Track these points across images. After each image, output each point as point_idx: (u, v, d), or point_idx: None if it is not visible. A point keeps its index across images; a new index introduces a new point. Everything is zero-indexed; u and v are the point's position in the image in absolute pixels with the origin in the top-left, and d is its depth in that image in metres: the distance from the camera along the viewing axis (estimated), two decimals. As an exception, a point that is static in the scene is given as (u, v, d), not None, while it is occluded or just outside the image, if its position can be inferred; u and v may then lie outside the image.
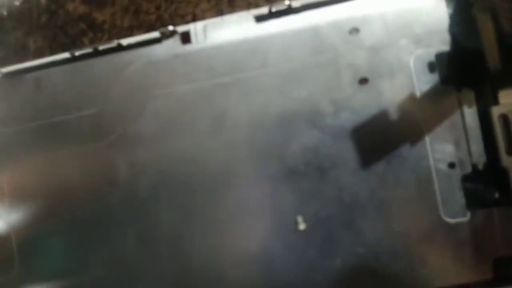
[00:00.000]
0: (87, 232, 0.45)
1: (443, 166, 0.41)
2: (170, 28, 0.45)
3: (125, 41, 0.46)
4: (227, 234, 0.43)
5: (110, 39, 0.51)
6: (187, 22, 0.48)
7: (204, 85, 0.44)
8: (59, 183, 0.46)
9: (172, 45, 0.45)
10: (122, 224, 0.45)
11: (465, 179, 0.40)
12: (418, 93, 0.41)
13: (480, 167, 0.40)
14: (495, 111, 0.38)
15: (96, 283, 0.45)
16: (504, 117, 0.38)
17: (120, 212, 0.45)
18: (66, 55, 0.47)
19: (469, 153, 0.40)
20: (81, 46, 0.52)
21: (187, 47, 0.45)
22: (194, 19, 0.53)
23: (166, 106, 0.45)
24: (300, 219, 0.42)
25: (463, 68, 0.40)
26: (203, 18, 0.52)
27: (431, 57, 0.41)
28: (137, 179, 0.44)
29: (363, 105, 0.42)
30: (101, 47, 0.46)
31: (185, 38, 0.45)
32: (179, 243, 0.43)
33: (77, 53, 0.47)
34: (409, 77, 0.41)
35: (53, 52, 0.52)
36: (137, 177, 0.44)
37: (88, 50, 0.46)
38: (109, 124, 0.45)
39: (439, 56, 0.41)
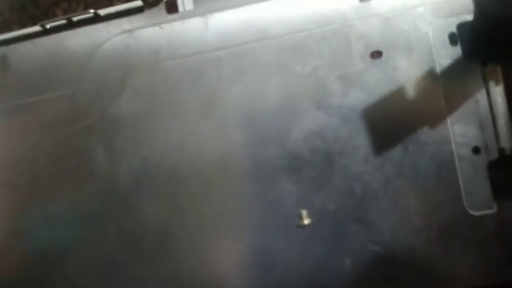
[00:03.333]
0: (61, 230, 0.42)
1: (467, 152, 0.38)
2: None
3: (103, 11, 0.44)
4: (221, 231, 0.41)
5: (86, 9, 0.48)
6: (173, -11, 0.46)
7: (193, 60, 0.42)
8: (28, 173, 0.43)
9: (156, 15, 0.43)
10: (101, 220, 0.42)
11: (491, 166, 0.38)
12: (438, 69, 0.39)
13: (508, 152, 0.38)
14: (526, 88, 0.36)
15: (75, 284, 0.42)
16: (535, 95, 0.36)
17: (98, 206, 0.42)
18: (36, 28, 0.44)
19: (496, 136, 0.38)
20: (53, 18, 0.48)
21: (173, 17, 0.43)
22: (182, -15, 0.49)
23: (150, 84, 0.42)
24: (304, 213, 0.39)
25: (489, 40, 0.38)
26: (192, -16, 0.49)
27: (452, 27, 0.39)
28: (117, 169, 0.42)
29: (376, 82, 0.39)
30: (75, 18, 0.44)
31: (171, 6, 0.43)
32: (166, 242, 0.41)
33: (48, 26, 0.44)
34: (428, 50, 0.39)
35: (22, 25, 0.50)
36: (117, 166, 0.42)
37: (61, 21, 0.44)
38: (85, 106, 0.43)
39: (462, 26, 0.39)
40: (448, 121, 0.38)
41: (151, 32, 0.42)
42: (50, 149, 0.43)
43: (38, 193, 0.43)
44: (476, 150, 0.38)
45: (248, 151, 0.40)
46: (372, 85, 0.39)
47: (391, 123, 0.39)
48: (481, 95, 0.38)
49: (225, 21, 0.41)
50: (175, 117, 0.41)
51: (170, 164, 0.41)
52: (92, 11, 0.43)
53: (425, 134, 0.38)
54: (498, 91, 0.38)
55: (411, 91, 0.39)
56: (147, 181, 0.41)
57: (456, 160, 0.38)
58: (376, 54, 0.39)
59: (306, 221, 0.39)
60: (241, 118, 0.41)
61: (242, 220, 0.40)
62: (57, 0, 0.52)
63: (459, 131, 0.38)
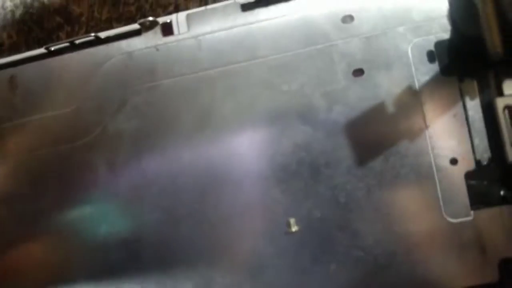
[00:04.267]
0: (66, 241, 0.43)
1: (445, 163, 0.39)
2: (150, 19, 0.43)
3: (103, 34, 0.44)
4: (214, 237, 0.41)
5: (87, 32, 0.49)
6: (169, 13, 0.46)
7: (188, 79, 0.42)
8: (34, 188, 0.44)
9: (153, 37, 0.43)
10: (103, 229, 0.43)
11: (468, 176, 0.39)
12: (417, 85, 0.39)
13: (484, 163, 0.38)
14: (500, 103, 0.36)
15: None
16: (509, 109, 0.36)
17: (100, 217, 0.43)
18: (41, 50, 0.45)
19: (472, 148, 0.39)
20: (57, 40, 0.50)
21: (169, 39, 0.43)
22: (177, 9, 0.51)
23: (148, 102, 0.43)
24: (292, 221, 0.40)
25: (465, 57, 0.39)
26: (186, 8, 0.51)
27: (430, 45, 0.40)
28: (117, 181, 0.43)
29: (358, 98, 0.40)
30: (78, 41, 0.45)
31: (167, 29, 0.43)
32: (163, 248, 0.42)
33: (53, 48, 0.45)
34: (407, 67, 0.40)
35: (28, 46, 0.51)
36: (117, 179, 0.43)
37: (65, 44, 0.45)
38: (87, 123, 0.44)
39: (439, 44, 0.39)
40: (427, 134, 0.39)
41: (148, 53, 0.43)
42: (54, 164, 0.44)
43: (43, 206, 0.43)
44: (453, 161, 0.39)
45: (239, 163, 0.41)
46: (355, 101, 0.40)
47: (372, 136, 0.40)
48: (458, 109, 0.39)
49: (217, 42, 0.42)
50: (171, 132, 0.42)
51: (167, 175, 0.42)
52: (93, 34, 0.44)
53: (405, 146, 0.39)
54: (474, 105, 0.39)
55: (391, 106, 0.39)
56: (146, 193, 0.42)
57: (435, 171, 0.39)
58: (358, 72, 0.40)
59: (294, 229, 0.40)
60: (233, 132, 0.41)
61: (233, 228, 0.41)
62: (61, 24, 0.53)
63: (437, 143, 0.39)
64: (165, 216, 0.42)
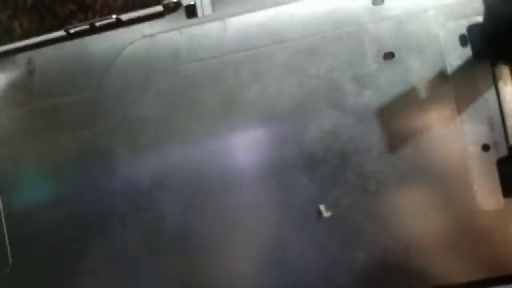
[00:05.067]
0: (85, 226, 0.43)
1: (477, 149, 0.38)
2: (174, 0, 0.42)
3: (124, 16, 0.43)
4: (238, 227, 0.41)
5: None
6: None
7: (212, 63, 0.42)
8: (53, 172, 0.43)
9: (176, 20, 0.43)
10: (123, 216, 0.42)
11: (501, 163, 0.38)
12: (449, 69, 0.39)
13: None
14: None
15: (95, 279, 0.43)
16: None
17: (121, 204, 0.42)
18: (60, 32, 0.44)
19: (505, 134, 0.38)
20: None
21: (193, 21, 0.42)
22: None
23: (170, 86, 0.42)
24: (322, 207, 0.39)
25: (498, 41, 0.38)
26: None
27: (462, 29, 0.39)
28: (138, 168, 0.42)
29: (389, 82, 0.39)
30: (98, 23, 0.44)
31: (191, 11, 0.42)
32: (185, 237, 0.41)
33: (72, 30, 0.44)
34: (439, 51, 0.39)
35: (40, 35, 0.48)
36: (138, 165, 0.42)
37: (85, 26, 0.44)
38: (108, 108, 0.43)
39: (472, 28, 0.39)
40: (459, 119, 0.38)
41: (171, 36, 0.42)
42: (73, 149, 0.43)
43: (62, 192, 0.43)
44: (485, 147, 0.38)
45: (264, 149, 0.40)
46: (385, 86, 0.39)
47: (403, 122, 0.39)
48: (491, 95, 0.38)
49: (242, 25, 0.41)
50: (194, 118, 0.41)
51: (190, 162, 0.41)
52: (114, 16, 0.43)
53: (436, 132, 0.38)
54: (507, 91, 0.38)
55: (422, 91, 0.39)
56: (167, 180, 0.41)
57: (467, 157, 0.38)
58: (389, 56, 0.39)
59: (327, 214, 0.39)
60: (258, 118, 0.41)
61: (258, 217, 0.40)
62: (74, 11, 0.51)
63: (469, 129, 0.38)
64: (186, 203, 0.41)
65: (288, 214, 0.40)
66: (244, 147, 0.41)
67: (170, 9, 0.42)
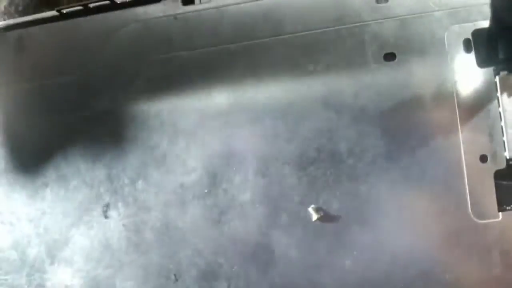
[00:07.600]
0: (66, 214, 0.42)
1: (474, 159, 0.37)
2: None
3: None
4: (226, 223, 0.40)
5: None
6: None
7: (207, 52, 0.41)
8: (35, 155, 0.43)
9: (172, 5, 0.42)
10: (106, 206, 0.42)
11: (498, 175, 0.37)
12: (451, 75, 0.38)
13: None
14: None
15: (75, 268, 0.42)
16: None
17: (103, 193, 0.41)
18: (52, 12, 0.44)
19: (504, 145, 0.37)
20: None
21: (189, 8, 0.42)
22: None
23: (162, 74, 0.41)
24: (312, 209, 0.38)
25: (503, 49, 0.36)
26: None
27: (467, 33, 0.38)
28: (125, 157, 0.41)
29: (388, 84, 0.38)
30: (92, 5, 0.43)
31: None
32: (168, 231, 0.40)
33: (64, 11, 0.44)
34: (442, 54, 0.38)
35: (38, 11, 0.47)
36: (125, 155, 0.41)
37: (77, 7, 0.43)
38: (97, 92, 0.42)
39: (477, 33, 0.37)
40: (458, 127, 0.37)
41: (165, 22, 0.42)
42: (58, 133, 0.43)
43: (50, 177, 0.42)
44: (483, 158, 0.37)
45: (255, 147, 0.40)
46: (384, 87, 0.38)
47: (400, 126, 0.38)
48: (493, 104, 0.37)
49: (240, 14, 0.41)
50: (183, 109, 0.41)
51: (177, 155, 0.41)
52: None
53: (434, 139, 0.37)
54: (509, 101, 0.37)
55: (423, 95, 0.38)
56: (153, 171, 0.41)
57: (464, 167, 0.37)
58: (390, 56, 0.38)
59: (316, 216, 0.38)
60: (249, 113, 0.40)
61: (245, 215, 0.39)
62: None
63: (468, 138, 0.37)
64: (171, 197, 0.40)
65: (273, 214, 0.39)
66: (234, 141, 0.40)
67: (166, -6, 0.42)
